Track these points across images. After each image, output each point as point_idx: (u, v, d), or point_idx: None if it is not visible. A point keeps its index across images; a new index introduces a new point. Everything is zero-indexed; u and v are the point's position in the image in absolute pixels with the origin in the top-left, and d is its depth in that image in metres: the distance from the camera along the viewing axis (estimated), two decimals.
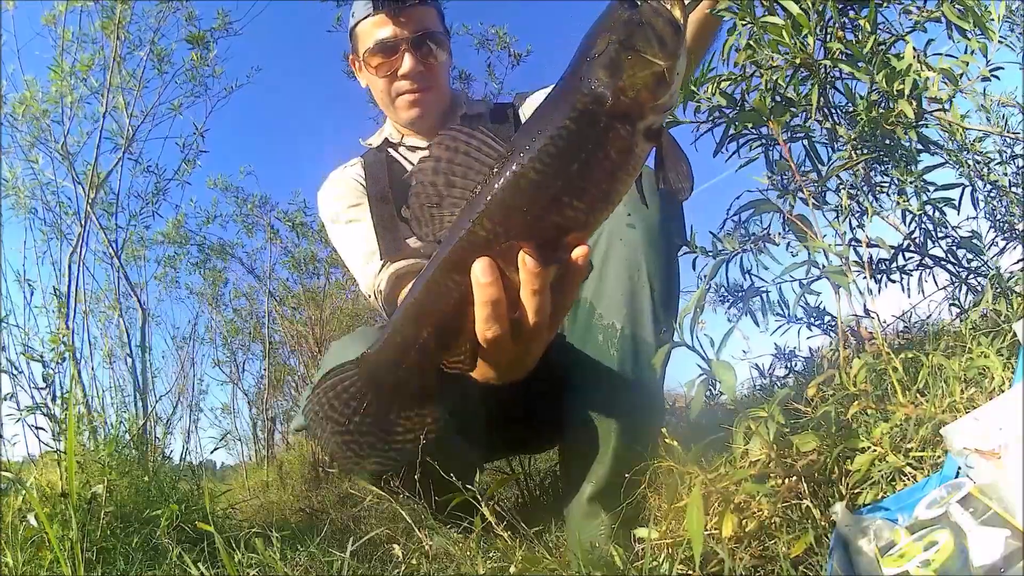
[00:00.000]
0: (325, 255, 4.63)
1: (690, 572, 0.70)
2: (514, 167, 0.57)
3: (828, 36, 1.03)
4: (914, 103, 0.98)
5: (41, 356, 1.71)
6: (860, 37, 1.02)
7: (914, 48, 1.00)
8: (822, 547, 0.71)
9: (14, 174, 2.88)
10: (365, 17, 1.28)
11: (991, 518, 0.57)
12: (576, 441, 0.99)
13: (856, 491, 0.76)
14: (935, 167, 1.11)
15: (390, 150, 1.35)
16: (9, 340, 1.93)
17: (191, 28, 3.16)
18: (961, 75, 0.98)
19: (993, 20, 0.94)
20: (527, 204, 0.57)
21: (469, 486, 0.90)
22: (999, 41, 0.95)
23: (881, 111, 1.01)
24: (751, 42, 1.04)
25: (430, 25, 1.29)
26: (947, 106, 1.01)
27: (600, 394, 0.97)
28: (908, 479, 0.74)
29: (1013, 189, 1.16)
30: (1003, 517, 0.56)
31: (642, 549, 0.81)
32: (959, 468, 0.65)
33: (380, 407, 0.66)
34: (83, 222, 2.76)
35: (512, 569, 0.87)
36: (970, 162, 1.12)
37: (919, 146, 1.05)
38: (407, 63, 1.26)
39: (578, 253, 0.59)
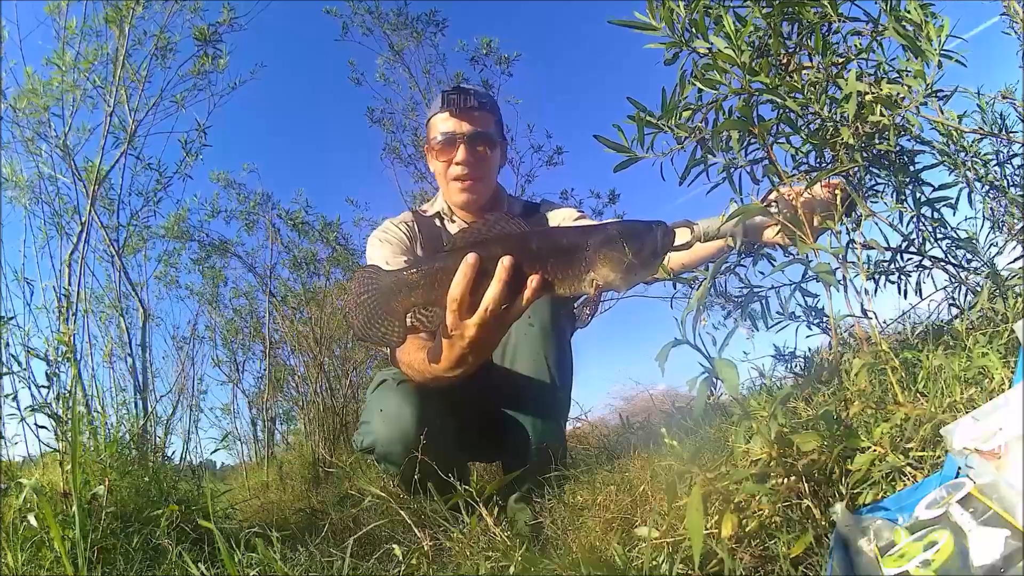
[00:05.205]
0: (326, 255, 4.65)
1: (690, 572, 0.70)
2: (526, 232, 0.98)
3: (775, 63, 1.04)
4: (859, 126, 0.99)
5: (45, 355, 1.71)
6: (811, 61, 1.04)
7: (860, 68, 1.02)
8: (822, 547, 0.71)
9: (13, 169, 2.85)
10: (436, 113, 1.62)
11: (991, 518, 0.57)
12: (510, 463, 1.50)
13: (856, 491, 0.76)
14: (931, 167, 1.11)
15: (439, 220, 1.69)
16: (10, 339, 1.93)
17: (196, 21, 3.14)
18: (902, 98, 0.99)
19: (934, 41, 0.92)
20: (524, 245, 0.98)
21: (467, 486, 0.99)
22: (945, 56, 0.94)
23: (828, 137, 1.02)
24: (699, 70, 1.06)
25: (485, 127, 1.61)
26: (887, 135, 1.01)
27: (522, 434, 1.45)
28: (908, 479, 0.74)
29: (1012, 189, 1.16)
30: (1003, 517, 0.56)
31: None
32: (959, 468, 0.65)
33: (377, 302, 1.00)
34: (84, 220, 2.76)
35: (512, 569, 0.87)
36: (967, 163, 1.12)
37: (871, 167, 1.07)
38: (461, 153, 1.57)
39: (532, 278, 0.96)
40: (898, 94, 0.98)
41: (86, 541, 1.10)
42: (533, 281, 0.95)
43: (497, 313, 0.97)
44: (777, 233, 1.12)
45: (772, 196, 1.08)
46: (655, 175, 1.14)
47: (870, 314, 1.01)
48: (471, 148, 1.58)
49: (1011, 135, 1.13)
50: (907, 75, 0.98)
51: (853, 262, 1.04)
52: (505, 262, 0.94)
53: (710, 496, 0.77)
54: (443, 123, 1.60)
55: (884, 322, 1.31)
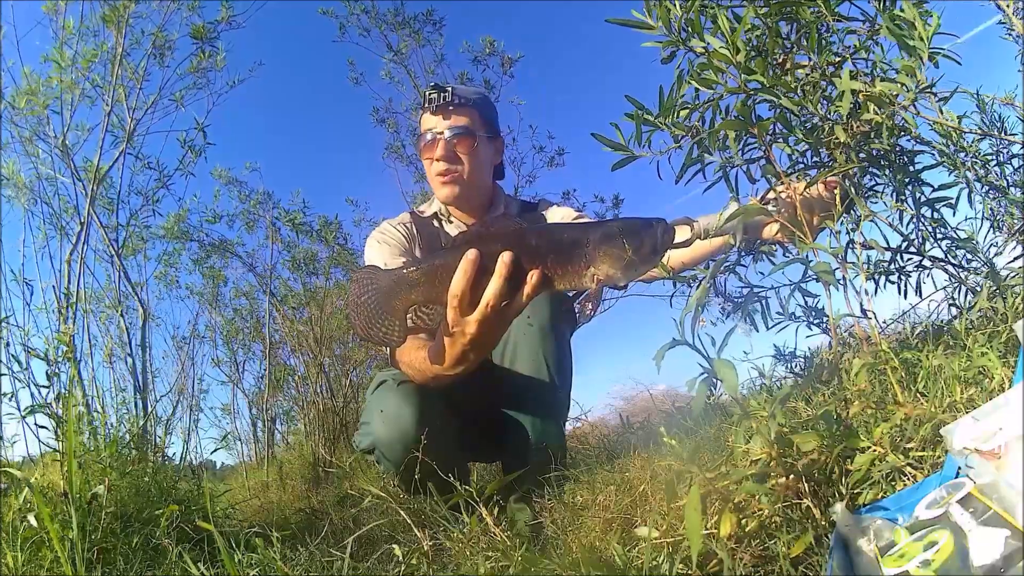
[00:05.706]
0: (326, 255, 4.65)
1: (690, 572, 0.70)
2: (526, 229, 0.98)
3: (771, 63, 1.05)
4: (853, 124, 0.99)
5: (46, 355, 1.70)
6: (807, 60, 1.04)
7: (855, 68, 1.02)
8: (822, 547, 0.71)
9: (12, 168, 2.84)
10: (421, 112, 1.67)
11: (991, 518, 0.57)
12: (509, 464, 1.51)
13: (856, 491, 0.76)
14: (931, 167, 1.11)
15: (437, 221, 1.72)
16: (10, 339, 1.93)
17: (194, 19, 3.13)
18: (896, 95, 0.99)
19: (923, 40, 0.92)
20: (524, 241, 0.97)
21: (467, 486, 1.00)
22: (937, 52, 0.94)
23: (823, 136, 1.02)
24: (695, 69, 1.06)
25: (467, 124, 1.62)
26: (882, 132, 1.01)
27: (521, 433, 1.45)
28: (908, 479, 0.74)
29: (1012, 190, 1.16)
30: (1003, 517, 0.56)
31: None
32: (959, 468, 0.65)
33: (378, 302, 1.00)
34: (84, 220, 2.75)
35: (512, 569, 0.87)
36: (967, 163, 1.12)
37: (870, 167, 1.07)
38: (439, 150, 1.60)
39: (533, 273, 0.96)
40: (891, 91, 0.98)
41: (84, 541, 1.10)
42: (533, 276, 0.96)
43: (498, 309, 0.98)
44: (777, 231, 1.12)
45: (771, 194, 1.09)
46: (653, 175, 1.14)
47: (870, 314, 1.01)
48: (448, 145, 1.60)
49: (1010, 136, 1.13)
50: (902, 73, 0.98)
51: (853, 262, 1.04)
52: (505, 257, 0.95)
53: (709, 496, 0.77)
54: (425, 121, 1.64)
55: (884, 322, 1.31)
